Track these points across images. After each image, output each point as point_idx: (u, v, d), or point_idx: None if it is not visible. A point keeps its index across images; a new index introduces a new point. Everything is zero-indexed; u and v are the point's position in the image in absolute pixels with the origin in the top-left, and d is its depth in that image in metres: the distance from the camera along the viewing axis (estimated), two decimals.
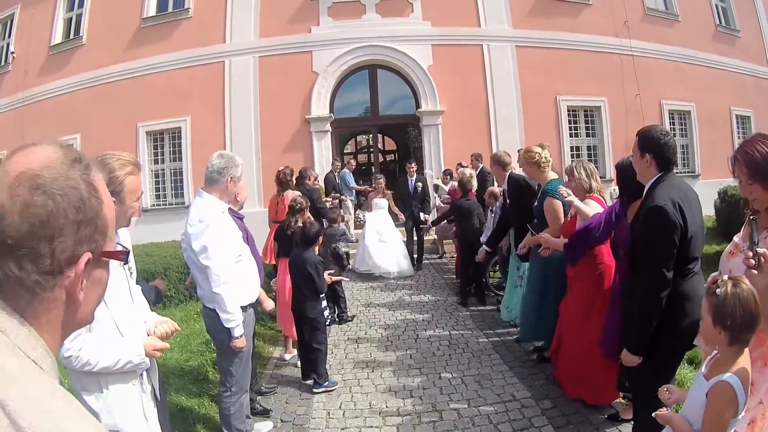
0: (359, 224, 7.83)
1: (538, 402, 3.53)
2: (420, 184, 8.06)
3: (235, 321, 2.76)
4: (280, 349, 4.91)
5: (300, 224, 4.36)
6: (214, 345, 3.17)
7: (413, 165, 8.45)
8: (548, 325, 4.04)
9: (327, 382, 3.95)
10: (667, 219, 2.17)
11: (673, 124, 11.87)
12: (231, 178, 2.84)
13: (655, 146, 2.31)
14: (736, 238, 2.03)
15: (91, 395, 1.86)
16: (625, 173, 2.92)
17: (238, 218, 3.31)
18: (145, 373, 1.98)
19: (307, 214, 4.65)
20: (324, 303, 4.11)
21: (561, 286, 3.84)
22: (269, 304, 3.63)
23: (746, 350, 1.59)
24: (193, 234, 2.71)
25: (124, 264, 1.94)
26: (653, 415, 1.76)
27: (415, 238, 8.11)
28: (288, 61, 10.46)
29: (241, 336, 2.81)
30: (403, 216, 7.95)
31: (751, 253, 1.44)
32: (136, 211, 2.01)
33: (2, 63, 12.81)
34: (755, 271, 1.42)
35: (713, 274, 1.80)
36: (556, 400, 3.51)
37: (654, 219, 2.21)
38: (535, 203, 4.17)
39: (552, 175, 4.05)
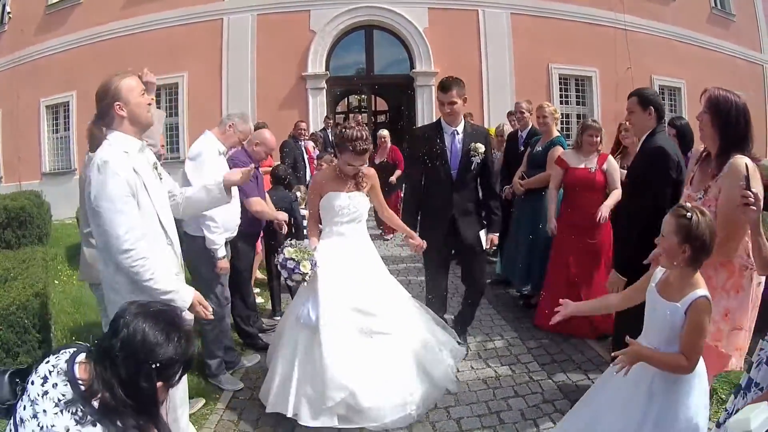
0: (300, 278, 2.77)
1: (525, 342, 3.74)
2: (479, 147, 3.27)
3: (218, 244, 2.95)
4: None
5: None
6: (191, 274, 2.99)
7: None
8: (523, 268, 4.31)
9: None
10: (670, 157, 2.63)
11: (663, 99, 12.05)
12: (232, 124, 3.17)
13: (654, 101, 2.75)
14: (686, 190, 2.40)
15: (117, 296, 1.88)
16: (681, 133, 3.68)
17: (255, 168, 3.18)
18: None
19: None
20: None
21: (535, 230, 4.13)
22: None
23: (698, 272, 1.77)
24: (188, 163, 3.04)
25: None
26: (611, 366, 1.90)
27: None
28: (286, 20, 10.57)
29: (224, 257, 3.00)
30: (417, 239, 3.18)
31: (748, 192, 1.70)
32: (150, 108, 2.12)
33: None
34: (754, 207, 1.69)
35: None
36: (541, 341, 3.73)
37: (659, 157, 2.65)
38: (538, 149, 4.34)
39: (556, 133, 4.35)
